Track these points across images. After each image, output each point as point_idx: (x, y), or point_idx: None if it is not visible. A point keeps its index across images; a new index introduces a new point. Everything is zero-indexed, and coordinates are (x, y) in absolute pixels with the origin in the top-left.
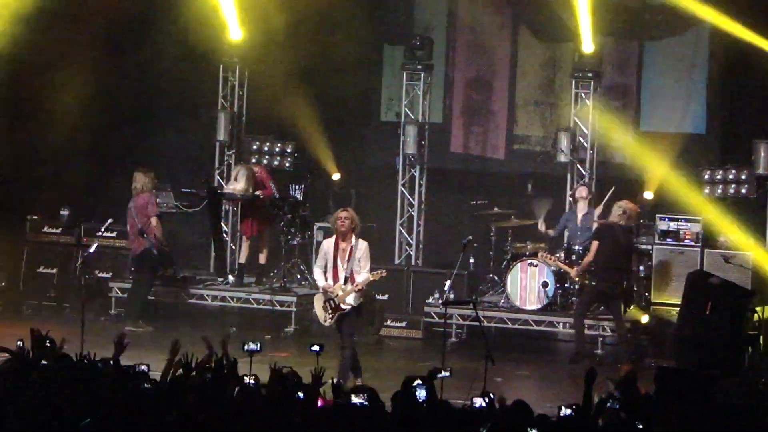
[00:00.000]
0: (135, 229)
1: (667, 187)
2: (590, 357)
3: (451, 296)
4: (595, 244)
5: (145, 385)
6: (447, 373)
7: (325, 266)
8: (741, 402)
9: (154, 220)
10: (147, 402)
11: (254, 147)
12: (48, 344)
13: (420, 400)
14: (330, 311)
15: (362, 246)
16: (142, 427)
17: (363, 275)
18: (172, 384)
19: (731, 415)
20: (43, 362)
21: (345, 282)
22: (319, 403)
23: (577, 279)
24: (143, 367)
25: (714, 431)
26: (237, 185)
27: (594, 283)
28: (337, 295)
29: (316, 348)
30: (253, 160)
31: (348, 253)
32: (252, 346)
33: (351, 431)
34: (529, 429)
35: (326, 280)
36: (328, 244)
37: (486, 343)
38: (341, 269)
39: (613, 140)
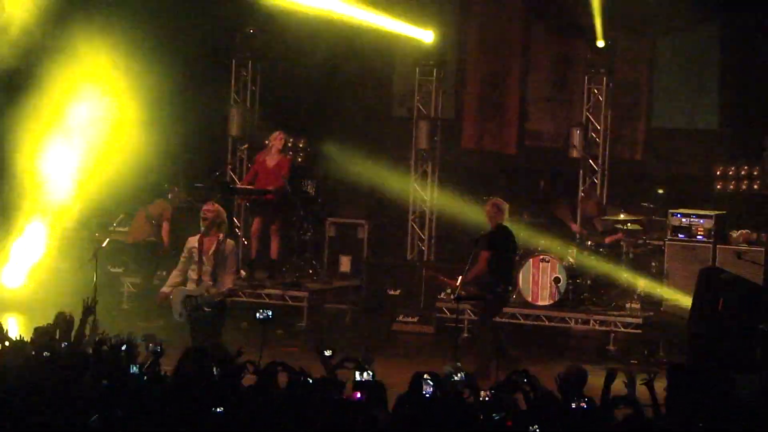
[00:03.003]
0: (142, 216)
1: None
2: (602, 353)
3: (463, 292)
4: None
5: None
6: (462, 375)
7: (188, 263)
8: (755, 398)
9: (165, 225)
10: (155, 397)
11: (266, 142)
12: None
13: (426, 396)
14: (188, 309)
15: (229, 245)
16: (149, 423)
17: (228, 279)
18: (179, 379)
19: (745, 411)
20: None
21: (213, 282)
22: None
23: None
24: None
25: (728, 428)
26: None
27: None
28: (201, 295)
29: (328, 353)
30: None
31: (212, 250)
32: (264, 314)
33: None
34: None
35: (189, 277)
36: (193, 241)
37: (498, 338)
38: (206, 267)
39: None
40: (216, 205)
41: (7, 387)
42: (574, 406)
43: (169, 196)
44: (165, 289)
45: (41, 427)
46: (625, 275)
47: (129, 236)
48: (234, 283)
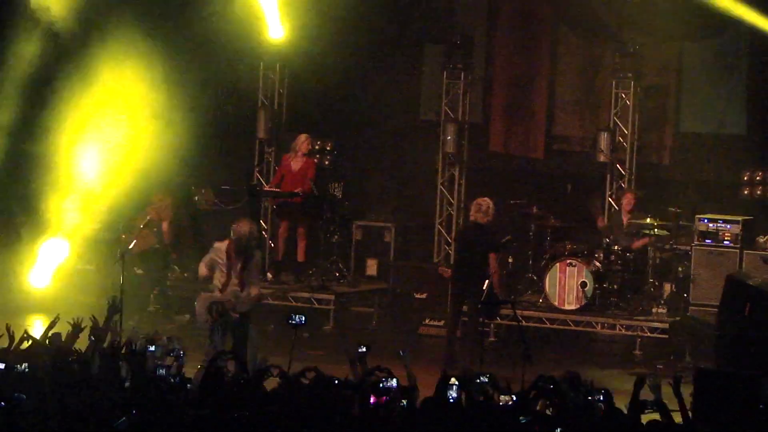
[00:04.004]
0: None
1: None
2: (628, 358)
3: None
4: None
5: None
6: (485, 379)
7: (213, 266)
8: None
9: (165, 224)
10: (180, 400)
11: (293, 144)
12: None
13: (451, 401)
14: (213, 315)
15: (258, 255)
16: (176, 425)
17: (255, 287)
18: (204, 382)
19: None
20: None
21: (241, 288)
22: (372, 400)
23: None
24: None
25: None
26: None
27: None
28: (228, 300)
29: (363, 349)
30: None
31: (242, 261)
32: (297, 319)
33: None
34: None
35: (214, 283)
36: (223, 246)
37: (524, 342)
38: (234, 275)
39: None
40: (248, 225)
41: (33, 387)
42: (590, 399)
43: (196, 198)
44: (218, 294)
45: (68, 429)
46: (651, 280)
47: (135, 246)
48: (260, 289)
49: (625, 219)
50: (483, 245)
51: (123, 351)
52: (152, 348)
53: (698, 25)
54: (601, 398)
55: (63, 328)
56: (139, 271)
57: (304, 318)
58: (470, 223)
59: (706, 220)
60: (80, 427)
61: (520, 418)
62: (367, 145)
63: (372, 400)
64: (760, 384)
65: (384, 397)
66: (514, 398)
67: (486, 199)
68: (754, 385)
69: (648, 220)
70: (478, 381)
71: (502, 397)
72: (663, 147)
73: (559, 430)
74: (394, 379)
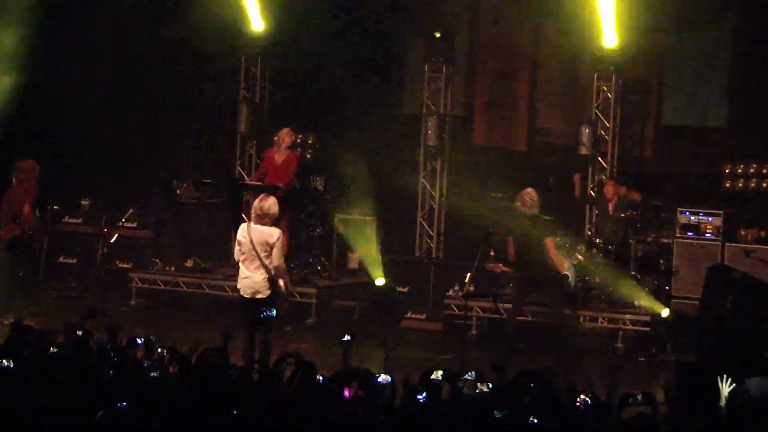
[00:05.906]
0: (9, 216)
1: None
2: (610, 351)
3: (472, 288)
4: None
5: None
6: (470, 376)
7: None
8: (762, 399)
9: (26, 207)
10: (160, 394)
11: (275, 139)
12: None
13: (420, 401)
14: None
15: None
16: (156, 420)
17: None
18: (191, 377)
19: (751, 412)
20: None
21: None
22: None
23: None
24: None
25: (737, 426)
26: None
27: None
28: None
29: (347, 338)
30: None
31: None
32: (266, 312)
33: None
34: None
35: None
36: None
37: (506, 335)
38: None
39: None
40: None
41: (11, 383)
42: (578, 404)
43: (178, 192)
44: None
45: (46, 424)
46: (633, 273)
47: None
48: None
49: (610, 204)
50: (538, 234)
51: (107, 344)
52: (140, 341)
53: (680, 18)
54: (587, 399)
55: None
56: (122, 264)
57: (274, 311)
58: (523, 216)
59: (687, 213)
60: (59, 421)
61: (495, 412)
62: (349, 139)
63: (347, 393)
64: (743, 383)
65: (360, 392)
66: (490, 385)
67: (529, 190)
68: (736, 379)
69: (629, 211)
70: (464, 377)
71: (479, 385)
72: (645, 140)
73: (533, 418)
74: (383, 375)
